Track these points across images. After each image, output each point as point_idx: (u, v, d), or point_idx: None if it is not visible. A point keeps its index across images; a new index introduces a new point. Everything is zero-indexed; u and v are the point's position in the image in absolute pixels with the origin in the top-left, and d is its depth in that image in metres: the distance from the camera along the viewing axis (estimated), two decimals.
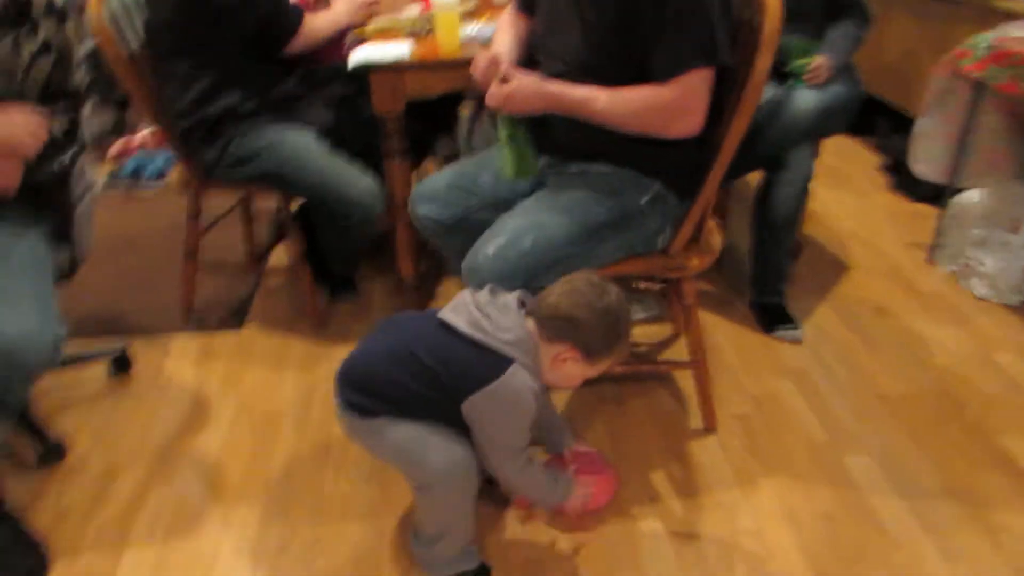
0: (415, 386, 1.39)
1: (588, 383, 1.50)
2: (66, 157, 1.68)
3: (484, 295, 1.44)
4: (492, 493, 1.71)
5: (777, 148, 2.27)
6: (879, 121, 3.76)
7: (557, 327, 1.38)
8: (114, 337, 2.32)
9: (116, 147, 3.58)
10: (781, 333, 2.32)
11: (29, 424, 1.87)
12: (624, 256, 1.74)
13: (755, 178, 2.39)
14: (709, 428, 1.96)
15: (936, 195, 2.79)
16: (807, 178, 2.30)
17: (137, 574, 1.60)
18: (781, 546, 1.64)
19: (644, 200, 1.72)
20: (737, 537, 1.67)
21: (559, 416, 1.75)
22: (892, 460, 1.86)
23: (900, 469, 1.83)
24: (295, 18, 2.17)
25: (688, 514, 1.72)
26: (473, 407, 1.37)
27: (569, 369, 1.41)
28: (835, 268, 2.69)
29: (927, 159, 2.74)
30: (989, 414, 1.99)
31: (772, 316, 2.36)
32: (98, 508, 1.75)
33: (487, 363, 1.36)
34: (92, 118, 3.58)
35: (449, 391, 1.37)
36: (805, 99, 2.23)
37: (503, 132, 1.68)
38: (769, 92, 2.32)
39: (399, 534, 1.67)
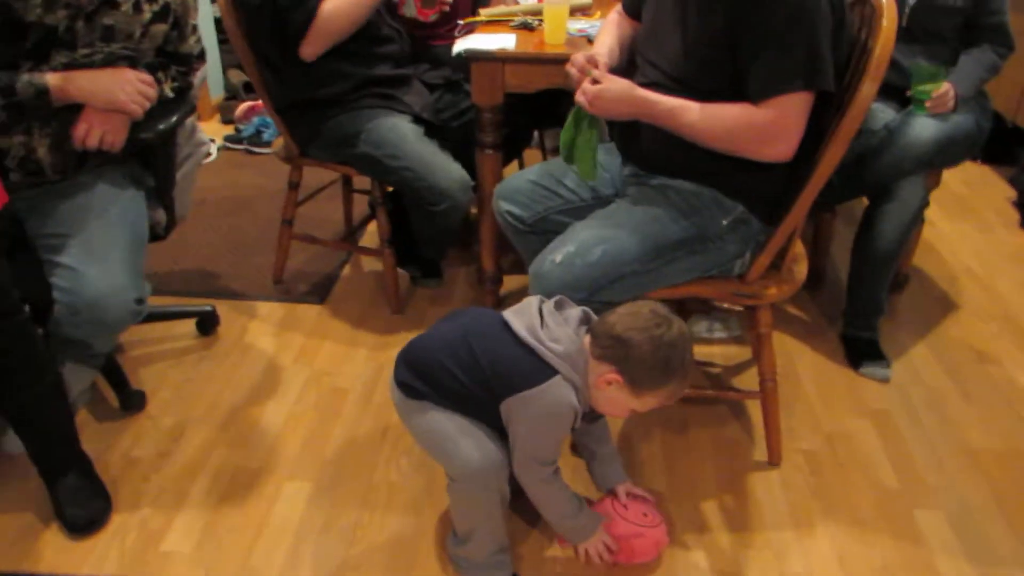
0: (463, 378, 1.40)
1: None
2: (173, 119, 1.76)
3: (550, 304, 1.44)
4: (525, 506, 1.69)
5: (886, 177, 2.15)
6: (1019, 152, 3.51)
7: (607, 346, 1.36)
8: (206, 296, 2.42)
9: (242, 108, 3.73)
10: (868, 370, 2.20)
11: (113, 373, 1.98)
12: (696, 277, 1.69)
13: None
14: (773, 462, 1.88)
15: None
16: (916, 212, 2.17)
17: (188, 533, 1.67)
18: None
19: (725, 223, 1.66)
20: None
21: (613, 448, 1.68)
22: (968, 520, 1.74)
23: (975, 531, 1.71)
24: (305, 15, 2.03)
25: (736, 550, 1.66)
26: (509, 409, 1.38)
27: (612, 394, 1.39)
28: (941, 306, 2.53)
29: None
30: None
31: (862, 351, 2.24)
32: (164, 464, 1.84)
33: (531, 369, 1.36)
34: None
35: (492, 389, 1.38)
36: (923, 127, 2.10)
37: (568, 128, 1.67)
38: (888, 116, 2.20)
39: (437, 531, 1.68)
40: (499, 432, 1.44)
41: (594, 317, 1.44)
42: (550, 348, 1.36)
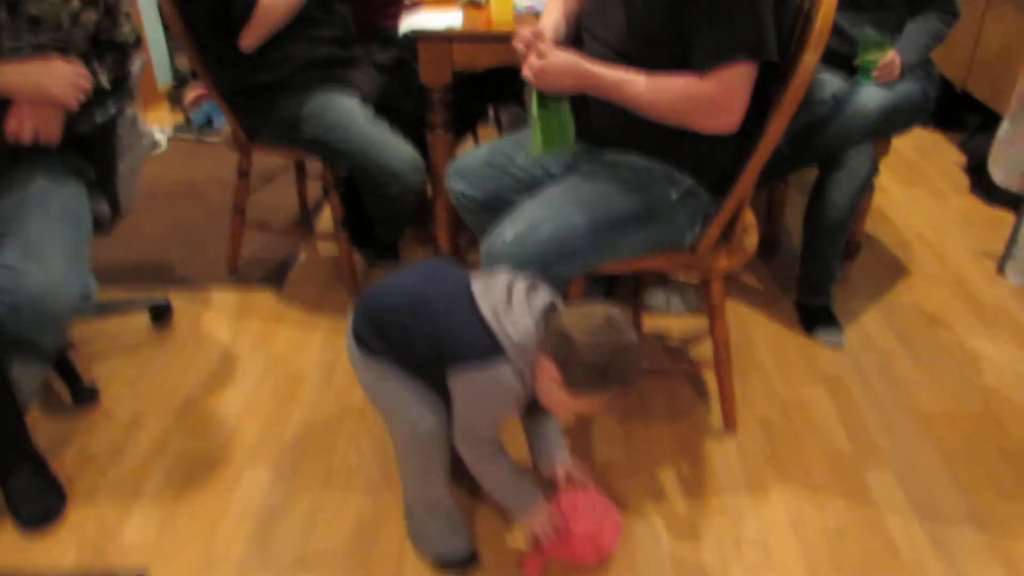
0: (417, 337, 1.38)
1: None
2: (111, 109, 1.72)
3: (523, 287, 1.40)
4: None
5: (835, 146, 2.17)
6: (968, 118, 3.57)
7: (552, 342, 1.33)
8: (160, 287, 2.40)
9: (191, 96, 3.67)
10: (822, 336, 2.24)
11: (65, 368, 1.96)
12: (647, 251, 1.70)
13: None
14: (728, 430, 1.91)
15: (1018, 201, 2.63)
16: (865, 179, 2.20)
17: (145, 525, 1.66)
18: (783, 558, 1.60)
19: (675, 196, 1.67)
20: (739, 545, 1.63)
21: (559, 433, 1.62)
22: (917, 480, 1.78)
23: (924, 490, 1.76)
24: (245, 3, 2.00)
25: (692, 516, 1.69)
26: (453, 380, 1.37)
27: (551, 390, 1.36)
28: (893, 272, 2.57)
29: (1006, 165, 2.59)
30: None
31: (815, 318, 2.28)
32: (119, 456, 1.82)
33: (483, 347, 1.33)
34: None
35: (441, 353, 1.36)
36: (870, 96, 2.12)
37: (533, 106, 1.65)
38: (836, 85, 2.22)
39: (397, 512, 1.69)
40: (448, 402, 1.43)
41: (560, 307, 1.41)
42: (507, 334, 1.33)
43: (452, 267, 1.49)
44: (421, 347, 1.39)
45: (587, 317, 1.32)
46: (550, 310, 1.39)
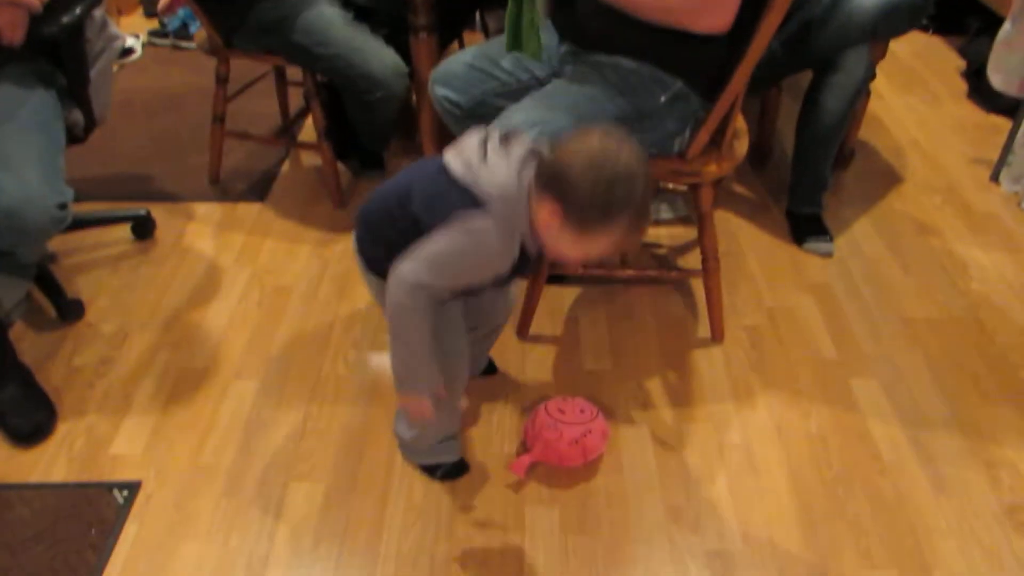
0: (409, 228, 1.27)
1: (596, 282, 1.38)
2: (77, 11, 1.65)
3: (496, 138, 1.29)
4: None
5: (831, 47, 2.12)
6: (969, 20, 3.47)
7: (546, 175, 1.19)
8: (141, 201, 2.35)
9: (164, 1, 3.53)
10: (812, 245, 2.22)
11: (47, 283, 1.93)
12: None
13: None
14: (715, 339, 1.91)
15: (1015, 108, 2.59)
16: (861, 84, 2.15)
17: (136, 436, 1.67)
18: (767, 463, 1.63)
19: (663, 99, 1.63)
20: (724, 450, 1.65)
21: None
22: (901, 386, 1.80)
23: (908, 396, 1.77)
24: None
25: (677, 423, 1.71)
26: (422, 218, 1.25)
27: (554, 233, 1.21)
28: (886, 180, 2.54)
29: (1005, 70, 2.52)
30: (1016, 348, 1.90)
31: (806, 227, 2.26)
32: (106, 370, 1.82)
33: (457, 204, 1.22)
34: None
35: (426, 231, 1.25)
36: None
37: (510, 10, 1.60)
38: None
39: (386, 422, 1.70)
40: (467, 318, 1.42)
41: (543, 153, 1.25)
42: (484, 186, 1.22)
43: (432, 156, 1.36)
44: (414, 238, 1.26)
45: (581, 140, 1.17)
46: (533, 154, 1.27)
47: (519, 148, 1.27)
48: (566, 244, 1.23)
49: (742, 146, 1.77)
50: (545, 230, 1.22)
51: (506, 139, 1.29)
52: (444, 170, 1.27)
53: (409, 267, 1.24)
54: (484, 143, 1.28)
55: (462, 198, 1.22)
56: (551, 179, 1.18)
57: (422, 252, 1.24)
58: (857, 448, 1.66)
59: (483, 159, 1.25)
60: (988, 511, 1.53)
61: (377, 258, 1.37)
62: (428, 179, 1.29)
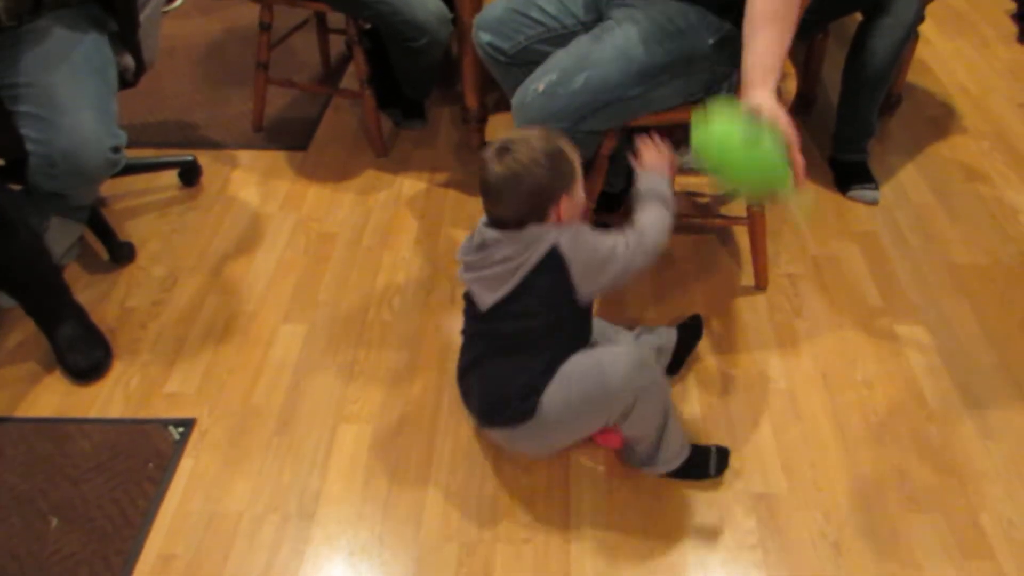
0: (537, 338, 1.38)
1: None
2: None
3: (465, 254, 1.40)
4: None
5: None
6: None
7: (528, 211, 1.32)
8: (186, 148, 2.38)
9: None
10: (857, 193, 2.19)
11: (100, 226, 1.97)
12: (682, 102, 1.65)
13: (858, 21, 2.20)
14: (760, 286, 1.91)
15: None
16: (910, 26, 2.10)
17: (189, 376, 1.71)
18: (810, 409, 1.63)
19: (711, 42, 1.61)
20: (767, 396, 1.66)
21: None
22: (948, 333, 1.79)
23: (954, 343, 1.76)
24: None
25: (722, 369, 1.71)
26: (585, 283, 1.34)
27: (568, 209, 1.34)
28: (934, 126, 2.49)
29: None
30: None
31: (851, 174, 2.23)
32: (159, 311, 1.86)
33: (550, 269, 1.32)
34: None
35: (558, 309, 1.36)
36: None
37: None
38: None
39: (431, 365, 1.73)
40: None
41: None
42: (532, 250, 1.32)
43: (465, 340, 1.50)
44: (548, 330, 1.38)
45: (510, 162, 1.30)
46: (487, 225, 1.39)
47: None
48: (574, 207, 1.36)
49: (789, 89, 1.75)
50: (564, 215, 1.34)
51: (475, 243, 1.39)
52: (495, 309, 1.36)
53: (624, 262, 1.36)
54: (467, 265, 1.40)
55: (536, 244, 1.31)
56: (534, 205, 1.32)
57: (604, 266, 1.35)
58: (903, 394, 1.65)
59: (493, 260, 1.34)
60: None
61: (525, 410, 1.39)
62: (505, 316, 1.38)
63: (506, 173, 1.30)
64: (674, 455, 1.47)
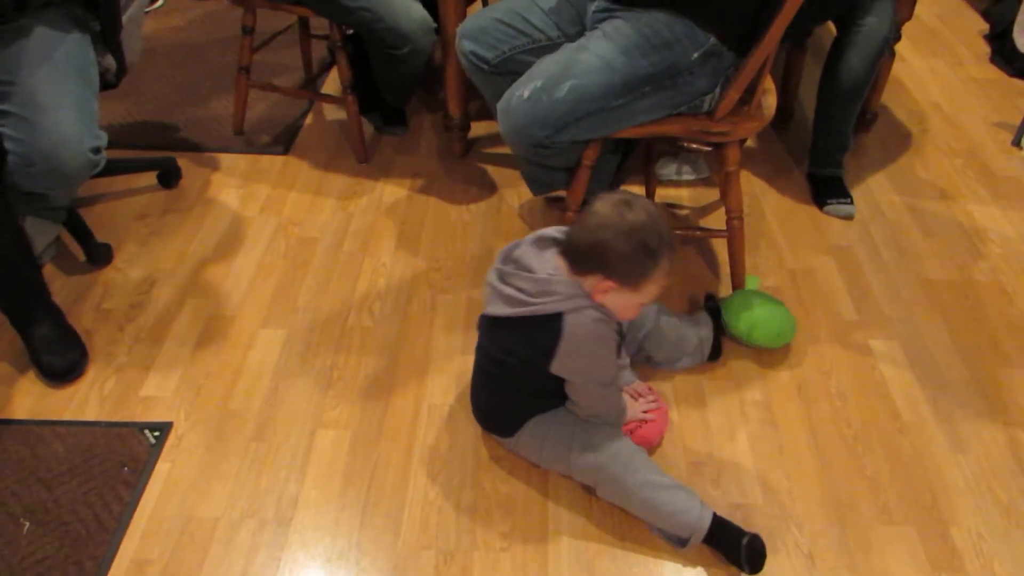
0: (517, 381, 1.44)
1: None
2: None
3: (501, 261, 1.39)
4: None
5: (852, 3, 2.10)
6: None
7: (582, 259, 1.30)
8: (166, 150, 2.36)
9: None
10: (833, 208, 2.23)
11: (77, 227, 1.95)
12: (664, 115, 1.67)
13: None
14: None
15: None
16: (884, 42, 2.14)
17: (165, 379, 1.70)
18: (787, 419, 1.65)
19: (696, 55, 1.63)
20: (744, 407, 1.67)
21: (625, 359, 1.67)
22: (921, 347, 1.82)
23: (927, 357, 1.79)
24: None
25: (699, 381, 1.73)
26: (559, 369, 1.35)
27: (613, 300, 1.32)
28: (907, 143, 2.54)
29: None
30: None
31: (827, 189, 2.26)
32: (136, 314, 1.85)
33: (543, 330, 1.32)
34: None
35: (532, 369, 1.37)
36: None
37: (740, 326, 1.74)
38: None
39: (411, 373, 1.72)
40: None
41: (563, 238, 1.35)
42: (541, 301, 1.30)
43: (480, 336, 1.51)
44: (524, 380, 1.43)
45: (594, 214, 1.28)
46: (557, 240, 1.36)
47: (545, 241, 1.37)
48: (628, 304, 1.34)
49: (771, 104, 1.77)
50: (606, 301, 1.32)
51: (530, 242, 1.38)
52: (499, 321, 1.37)
53: (592, 393, 1.42)
54: (501, 275, 1.36)
55: (541, 328, 1.32)
56: (589, 259, 1.29)
57: (586, 382, 1.40)
58: (877, 407, 1.68)
59: (518, 288, 1.33)
60: (1006, 469, 1.56)
61: (504, 427, 1.52)
62: (498, 340, 1.42)
63: (617, 222, 1.26)
64: (682, 529, 1.39)
